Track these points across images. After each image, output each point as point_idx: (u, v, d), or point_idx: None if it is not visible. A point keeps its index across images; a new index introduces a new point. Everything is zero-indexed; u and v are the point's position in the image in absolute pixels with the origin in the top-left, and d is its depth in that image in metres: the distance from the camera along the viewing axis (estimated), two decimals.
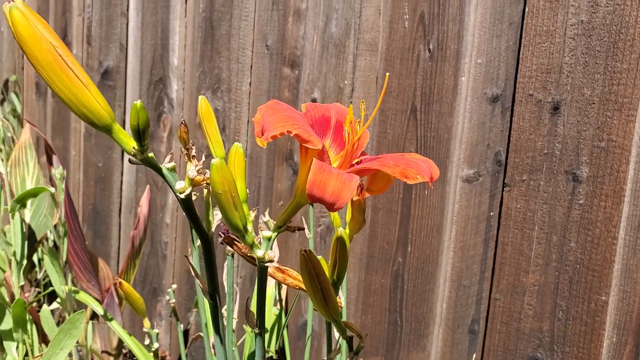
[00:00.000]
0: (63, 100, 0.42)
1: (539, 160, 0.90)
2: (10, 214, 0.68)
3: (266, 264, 0.45)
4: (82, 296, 0.98)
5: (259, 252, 0.45)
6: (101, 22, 1.55)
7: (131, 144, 0.41)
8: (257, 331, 0.49)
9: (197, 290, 1.05)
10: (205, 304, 0.70)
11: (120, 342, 1.13)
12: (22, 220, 0.83)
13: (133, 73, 1.50)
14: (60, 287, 0.79)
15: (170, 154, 0.44)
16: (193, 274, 0.54)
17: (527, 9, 0.89)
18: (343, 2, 1.08)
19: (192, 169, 0.40)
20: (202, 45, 1.32)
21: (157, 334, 0.77)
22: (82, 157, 1.63)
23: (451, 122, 0.97)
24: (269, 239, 0.45)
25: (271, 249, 0.45)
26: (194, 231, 0.72)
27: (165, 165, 0.42)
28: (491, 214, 0.95)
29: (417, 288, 1.04)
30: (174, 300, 0.87)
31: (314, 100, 1.14)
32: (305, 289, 0.60)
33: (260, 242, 0.45)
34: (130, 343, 0.89)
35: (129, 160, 0.42)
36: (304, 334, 1.19)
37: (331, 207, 0.39)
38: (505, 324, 0.95)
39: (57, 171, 0.87)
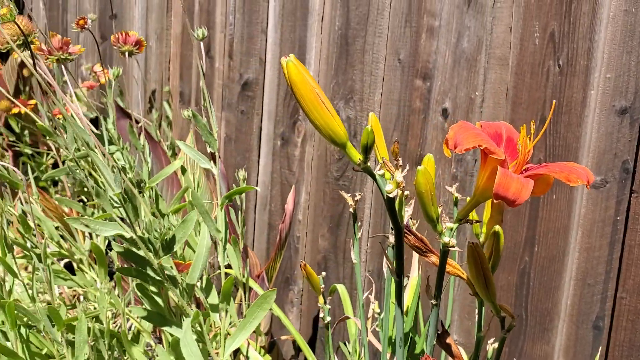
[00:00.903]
0: (316, 124, 0.55)
1: None
2: (219, 208, 0.84)
3: (449, 248, 0.57)
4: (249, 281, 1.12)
5: (445, 239, 0.56)
6: (242, 39, 1.73)
7: (358, 156, 0.53)
8: (434, 302, 0.60)
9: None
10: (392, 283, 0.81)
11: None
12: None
13: (270, 85, 1.66)
14: (239, 271, 0.94)
15: (381, 163, 0.55)
16: (385, 259, 0.67)
17: None
18: (475, 21, 1.18)
19: (399, 175, 0.52)
20: (337, 59, 1.45)
21: (329, 309, 0.90)
22: (222, 159, 1.81)
23: (579, 132, 1.05)
24: (451, 229, 0.56)
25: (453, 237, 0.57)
26: (386, 226, 0.85)
27: (377, 172, 0.54)
28: (618, 218, 1.02)
29: (542, 285, 1.12)
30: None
31: (444, 110, 1.24)
32: (461, 275, 0.71)
33: (444, 231, 0.56)
34: (286, 321, 1.03)
35: (353, 168, 0.55)
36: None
37: (512, 203, 0.50)
38: (632, 322, 1.01)
39: (241, 174, 1.03)
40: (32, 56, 0.76)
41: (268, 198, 1.70)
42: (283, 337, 1.49)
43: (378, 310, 0.98)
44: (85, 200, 1.96)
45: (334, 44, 1.46)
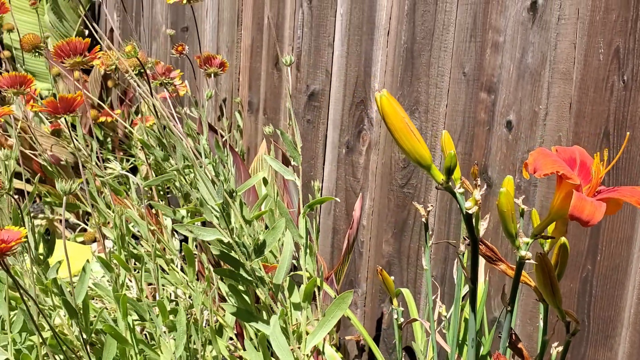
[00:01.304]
0: (405, 149, 0.61)
1: None
2: (301, 215, 0.92)
3: (525, 261, 0.63)
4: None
5: (522, 252, 0.62)
6: (309, 51, 1.81)
7: (441, 177, 0.60)
8: (509, 309, 0.66)
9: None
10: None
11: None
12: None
13: (336, 95, 1.73)
14: (314, 273, 1.02)
15: (461, 182, 0.61)
16: (462, 267, 0.73)
17: None
18: (539, 37, 1.22)
19: (477, 194, 0.58)
20: (403, 72, 1.51)
21: (402, 311, 0.96)
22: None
23: None
24: (527, 243, 0.62)
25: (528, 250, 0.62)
26: (450, 233, 0.91)
27: (458, 190, 0.60)
28: None
29: (605, 293, 1.15)
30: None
31: (509, 122, 1.29)
32: (529, 283, 0.77)
33: (520, 245, 0.62)
34: (355, 321, 1.10)
35: (436, 187, 0.61)
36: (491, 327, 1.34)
37: (585, 224, 0.55)
38: None
39: (316, 185, 1.10)
40: (148, 82, 0.85)
41: (332, 203, 1.77)
42: (348, 337, 1.56)
43: (445, 313, 1.03)
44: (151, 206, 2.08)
45: (400, 57, 1.52)
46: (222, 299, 1.12)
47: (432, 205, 0.95)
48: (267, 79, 2.05)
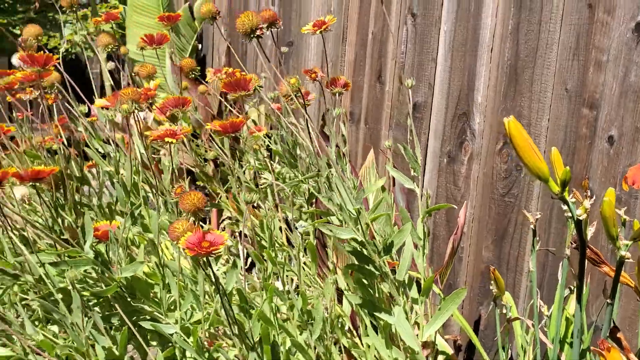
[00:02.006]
0: (527, 164, 0.72)
1: None
2: (420, 220, 1.04)
3: (624, 259, 0.72)
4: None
5: (622, 252, 0.72)
6: (413, 66, 1.92)
7: (556, 188, 0.70)
8: (609, 301, 0.76)
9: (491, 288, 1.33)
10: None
11: None
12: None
13: (438, 107, 1.84)
14: (424, 274, 1.13)
15: (573, 192, 0.71)
16: (573, 271, 0.83)
17: None
18: None
19: (587, 203, 0.68)
20: (506, 87, 1.60)
21: (511, 306, 1.06)
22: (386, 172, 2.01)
23: None
24: (627, 244, 0.71)
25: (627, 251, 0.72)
26: (549, 240, 1.00)
27: (570, 200, 0.70)
28: None
29: None
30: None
31: (610, 137, 1.35)
32: (629, 284, 0.85)
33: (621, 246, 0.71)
34: (461, 319, 1.20)
35: (552, 197, 0.71)
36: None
37: None
38: None
39: (427, 192, 1.22)
40: (303, 99, 1.00)
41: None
42: (446, 336, 1.66)
43: (547, 313, 1.12)
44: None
45: (503, 73, 1.61)
46: (339, 293, 1.25)
47: (540, 213, 1.04)
48: (370, 91, 2.18)
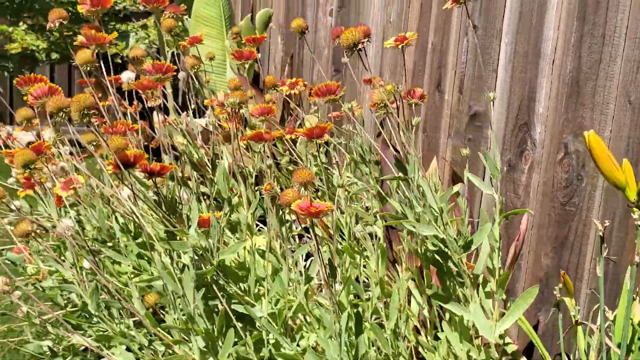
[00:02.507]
0: (605, 174, 0.78)
1: None
2: (496, 223, 1.10)
3: None
4: None
5: None
6: (473, 76, 1.97)
7: (633, 197, 0.76)
8: None
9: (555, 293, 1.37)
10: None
11: None
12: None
13: (498, 117, 1.88)
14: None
15: None
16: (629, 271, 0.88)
17: None
18: None
19: None
20: (567, 99, 1.64)
21: (579, 310, 1.11)
22: (451, 181, 2.06)
23: None
24: None
25: None
26: (610, 250, 1.05)
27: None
28: None
29: None
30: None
31: None
32: None
33: None
34: (525, 322, 1.24)
35: (628, 205, 0.77)
36: None
37: None
38: None
39: (499, 198, 1.28)
40: (394, 105, 1.08)
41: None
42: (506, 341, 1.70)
43: (612, 318, 1.16)
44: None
45: (564, 85, 1.64)
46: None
47: (608, 221, 1.08)
48: (429, 99, 2.24)
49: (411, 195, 1.01)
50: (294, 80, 2.17)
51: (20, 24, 5.20)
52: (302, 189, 0.91)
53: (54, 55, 5.12)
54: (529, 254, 1.78)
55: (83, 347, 1.49)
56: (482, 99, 1.94)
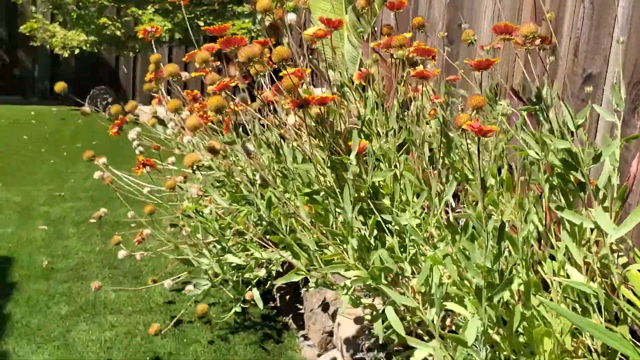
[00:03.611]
0: None
1: None
2: (618, 146, 1.29)
3: None
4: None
5: None
6: (588, 40, 2.12)
7: None
8: None
9: None
10: None
11: None
12: None
13: (612, 78, 2.02)
14: None
15: None
16: None
17: None
18: None
19: None
20: None
21: None
22: None
23: None
24: None
25: None
26: None
27: None
28: None
29: None
30: None
31: None
32: None
33: None
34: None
35: None
36: None
37: None
38: None
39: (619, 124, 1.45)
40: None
41: None
42: None
43: None
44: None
45: None
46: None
47: None
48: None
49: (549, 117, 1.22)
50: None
51: (149, 7, 5.69)
52: (474, 112, 1.13)
53: (177, 35, 5.57)
54: (637, 204, 1.92)
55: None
56: (597, 61, 2.08)
